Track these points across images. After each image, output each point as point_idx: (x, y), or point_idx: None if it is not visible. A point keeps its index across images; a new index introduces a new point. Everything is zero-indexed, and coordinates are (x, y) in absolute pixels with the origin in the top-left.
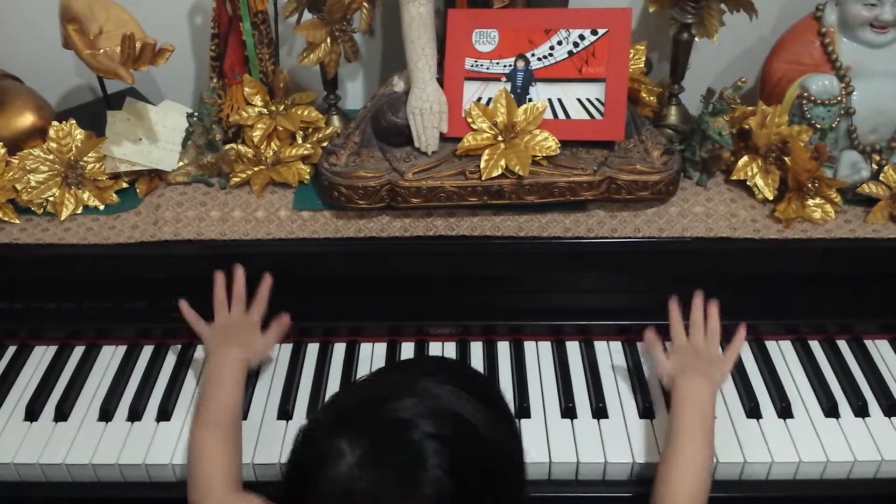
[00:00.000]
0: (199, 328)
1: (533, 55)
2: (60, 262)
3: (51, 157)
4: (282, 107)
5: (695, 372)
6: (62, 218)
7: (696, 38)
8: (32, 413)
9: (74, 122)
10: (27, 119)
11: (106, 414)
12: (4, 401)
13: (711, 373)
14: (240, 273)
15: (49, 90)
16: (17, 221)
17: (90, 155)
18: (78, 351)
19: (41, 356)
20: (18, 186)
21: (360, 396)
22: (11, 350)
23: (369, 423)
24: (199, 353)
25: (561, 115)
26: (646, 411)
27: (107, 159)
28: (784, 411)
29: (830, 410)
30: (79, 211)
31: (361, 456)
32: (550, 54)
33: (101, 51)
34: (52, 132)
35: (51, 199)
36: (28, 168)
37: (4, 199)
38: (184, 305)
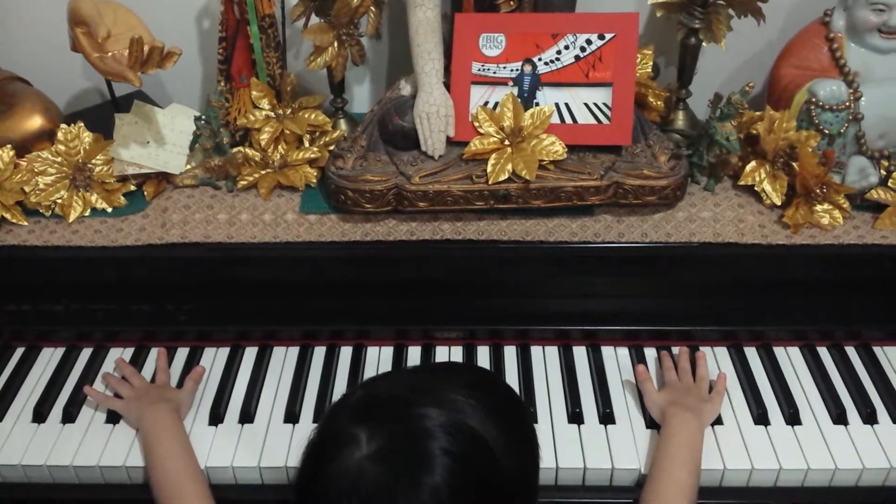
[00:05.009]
0: (113, 404)
1: (540, 59)
2: (68, 264)
3: (59, 159)
4: (289, 110)
5: (685, 408)
6: (70, 220)
7: (704, 43)
8: (40, 415)
9: (82, 124)
10: (35, 122)
11: (113, 416)
12: (12, 402)
13: (700, 410)
14: (121, 360)
15: (57, 93)
16: (26, 223)
17: (98, 157)
18: (86, 353)
19: (49, 358)
20: (27, 188)
21: (393, 391)
22: (20, 352)
23: (392, 422)
24: (207, 355)
25: (568, 120)
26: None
27: (114, 162)
28: (792, 418)
29: (839, 417)
30: (86, 213)
31: (376, 450)
32: (557, 59)
33: (109, 54)
34: (60, 135)
35: (59, 201)
36: (36, 170)
37: (13, 202)
38: (88, 389)
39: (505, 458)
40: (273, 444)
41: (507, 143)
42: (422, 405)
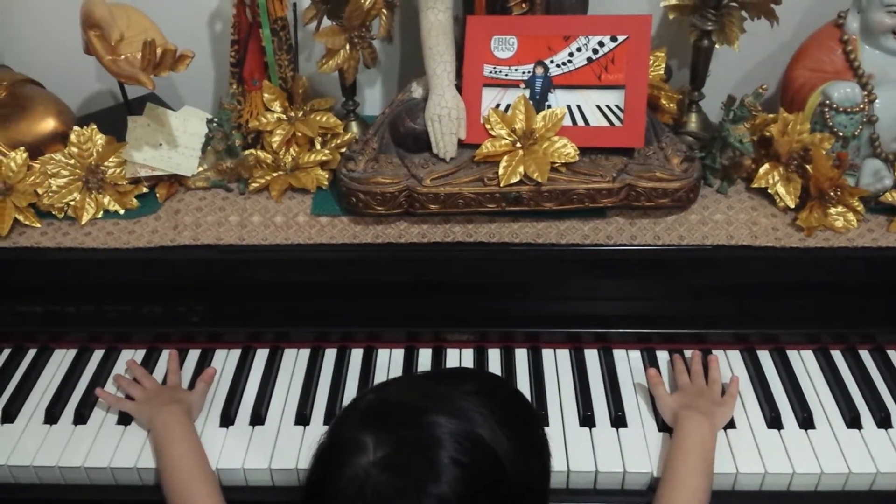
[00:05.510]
0: (124, 406)
1: (552, 62)
2: (80, 265)
3: (72, 161)
4: (301, 113)
5: (697, 411)
6: (83, 222)
7: (717, 45)
8: (52, 416)
9: (95, 127)
10: (49, 124)
11: (125, 417)
12: (25, 403)
13: (713, 413)
14: (132, 362)
15: (70, 95)
16: (39, 225)
17: (111, 160)
18: (98, 354)
19: (61, 359)
20: (40, 191)
21: (404, 396)
22: (32, 353)
23: (400, 429)
24: (218, 357)
25: (580, 122)
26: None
27: (127, 164)
28: (806, 422)
29: (853, 421)
30: (99, 215)
31: (384, 457)
32: (569, 61)
33: (123, 57)
34: (73, 137)
35: (71, 203)
36: (49, 172)
37: (26, 204)
38: (100, 391)
39: (514, 466)
40: (284, 446)
41: (518, 145)
42: (432, 413)
